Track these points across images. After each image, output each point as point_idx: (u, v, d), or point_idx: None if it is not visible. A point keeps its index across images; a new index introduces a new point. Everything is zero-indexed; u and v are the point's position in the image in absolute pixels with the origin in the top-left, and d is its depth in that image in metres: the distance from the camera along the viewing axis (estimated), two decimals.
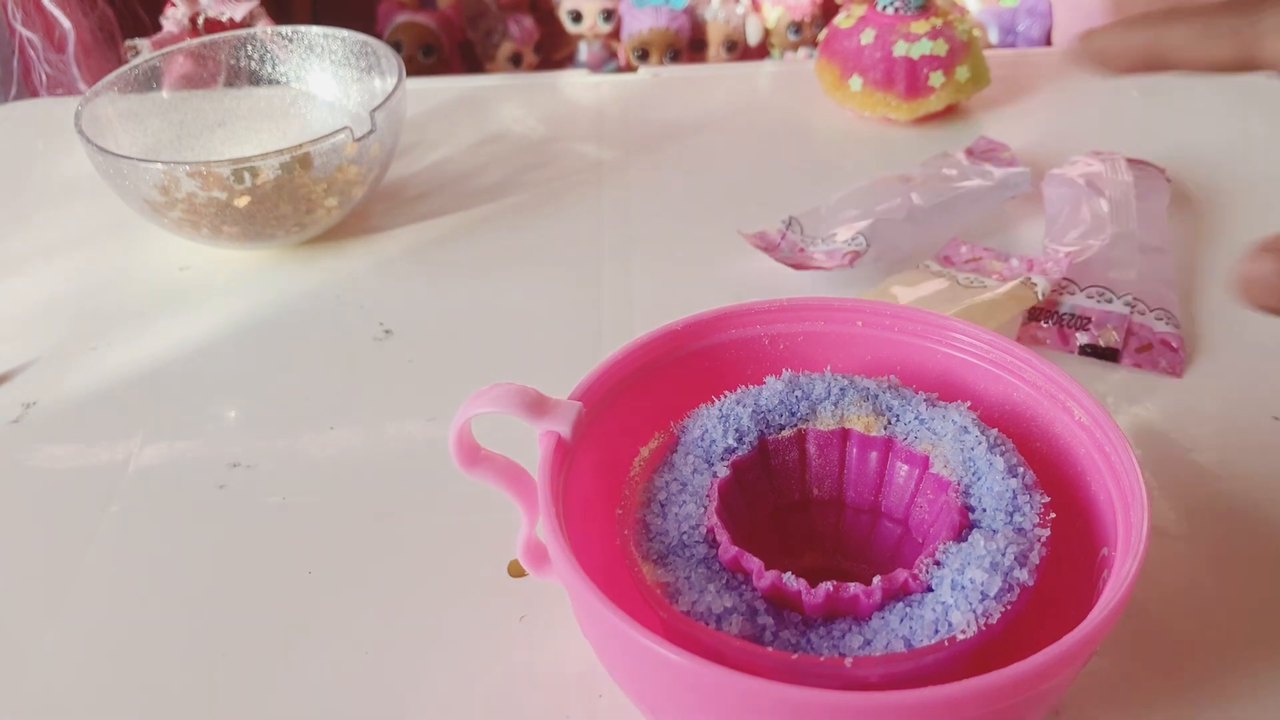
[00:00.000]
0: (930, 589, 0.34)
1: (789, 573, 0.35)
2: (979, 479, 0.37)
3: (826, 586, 0.34)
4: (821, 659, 0.33)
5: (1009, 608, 0.33)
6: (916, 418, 0.40)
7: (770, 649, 0.33)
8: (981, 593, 0.33)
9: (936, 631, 0.33)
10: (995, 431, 0.38)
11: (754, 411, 0.40)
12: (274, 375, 0.58)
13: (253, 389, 0.57)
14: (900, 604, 0.34)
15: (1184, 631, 0.43)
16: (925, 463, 0.39)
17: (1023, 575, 0.34)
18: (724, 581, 0.35)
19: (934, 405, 0.40)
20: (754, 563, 0.35)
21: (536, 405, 0.38)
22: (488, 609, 0.45)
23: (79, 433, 0.54)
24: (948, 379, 0.42)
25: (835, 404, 0.40)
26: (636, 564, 0.36)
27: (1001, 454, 0.37)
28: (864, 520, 0.41)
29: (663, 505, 0.38)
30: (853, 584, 0.34)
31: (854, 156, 0.74)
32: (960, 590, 0.33)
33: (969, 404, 0.40)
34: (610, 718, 0.40)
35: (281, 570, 0.47)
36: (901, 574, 0.34)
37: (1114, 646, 0.42)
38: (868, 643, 0.34)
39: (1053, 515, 0.36)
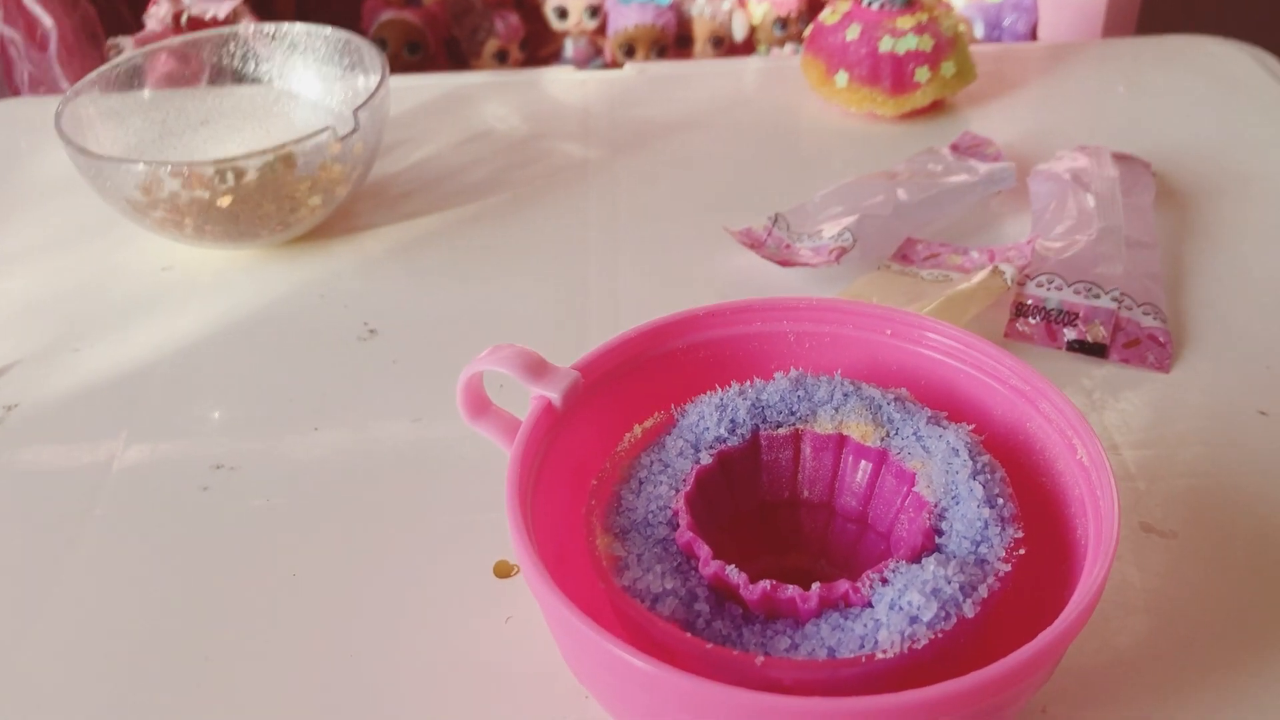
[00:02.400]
0: (871, 605, 0.34)
1: (733, 565, 0.35)
2: (957, 503, 0.37)
3: (764, 585, 0.34)
4: (734, 653, 0.33)
5: (939, 635, 0.33)
6: (914, 433, 0.39)
7: (689, 635, 0.33)
8: (914, 616, 0.33)
9: (862, 646, 0.33)
10: (987, 458, 0.38)
11: (753, 405, 0.40)
12: (258, 376, 0.57)
13: (236, 389, 0.56)
14: (836, 614, 0.34)
15: (1170, 626, 0.42)
16: (912, 480, 0.38)
17: (965, 606, 0.33)
18: (674, 565, 0.36)
19: (935, 424, 0.39)
20: (703, 549, 0.35)
21: (535, 368, 0.39)
22: (474, 610, 0.44)
23: (61, 434, 0.54)
24: (964, 399, 0.41)
25: (836, 409, 0.40)
26: (594, 534, 0.36)
27: (983, 482, 0.37)
28: (851, 529, 0.41)
29: (640, 483, 0.38)
30: (791, 586, 0.34)
31: (840, 152, 0.74)
32: (897, 611, 0.33)
33: (973, 427, 0.39)
34: (597, 719, 0.40)
35: (265, 572, 0.46)
36: (842, 585, 0.34)
37: (1101, 641, 0.42)
38: (795, 646, 0.34)
39: (1021, 551, 0.35)
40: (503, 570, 0.46)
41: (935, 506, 0.37)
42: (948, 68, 0.74)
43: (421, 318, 0.61)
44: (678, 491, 0.38)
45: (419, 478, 0.51)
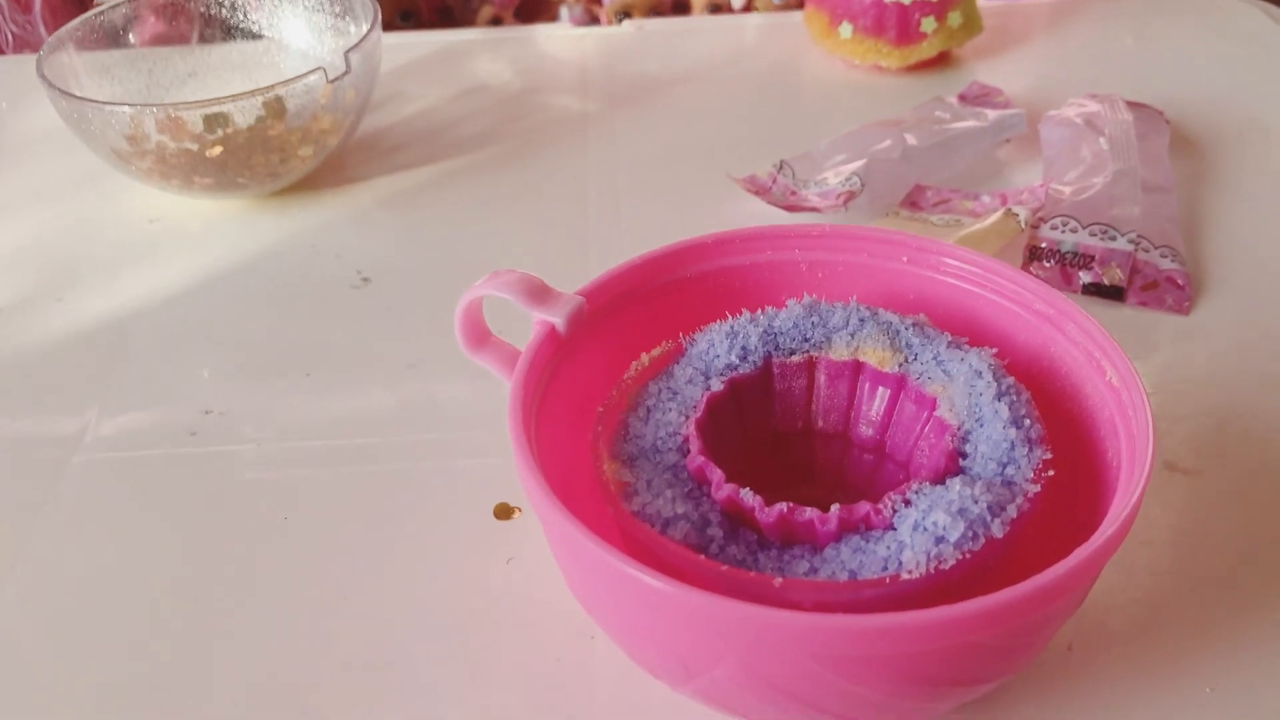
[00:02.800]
0: (893, 527, 0.32)
1: (748, 488, 0.33)
2: (981, 425, 0.35)
3: (781, 507, 0.32)
4: (750, 575, 0.31)
5: (967, 555, 0.31)
6: (934, 358, 0.37)
7: (703, 558, 0.31)
8: (940, 536, 0.31)
9: (885, 569, 0.31)
10: (1011, 380, 0.36)
11: (765, 332, 0.38)
12: (247, 323, 0.55)
13: (225, 337, 0.54)
14: (857, 537, 0.32)
15: (1195, 562, 0.41)
16: (933, 405, 0.37)
17: (994, 527, 0.31)
18: (684, 490, 0.34)
19: (957, 348, 0.38)
20: (716, 474, 0.34)
21: (538, 293, 0.37)
22: (474, 552, 0.43)
23: (45, 382, 0.52)
24: (985, 325, 0.40)
25: (852, 335, 0.38)
26: (601, 460, 0.34)
27: (1009, 403, 0.35)
28: (868, 460, 0.40)
29: (649, 411, 0.36)
30: (809, 509, 0.32)
31: (844, 106, 0.72)
32: (921, 532, 0.31)
33: (995, 351, 0.37)
34: (603, 659, 0.39)
35: (256, 516, 0.45)
36: (863, 507, 0.33)
37: (1126, 579, 0.40)
38: (814, 570, 0.32)
39: (1051, 473, 0.34)
40: (503, 513, 0.44)
41: (958, 430, 0.35)
42: (954, 18, 0.72)
43: (417, 266, 0.59)
44: (688, 418, 0.36)
45: (415, 421, 0.49)
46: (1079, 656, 0.38)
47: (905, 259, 0.41)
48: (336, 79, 0.60)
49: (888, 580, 0.30)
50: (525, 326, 0.38)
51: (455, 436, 0.48)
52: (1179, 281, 0.53)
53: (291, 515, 0.45)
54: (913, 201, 0.59)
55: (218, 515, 0.45)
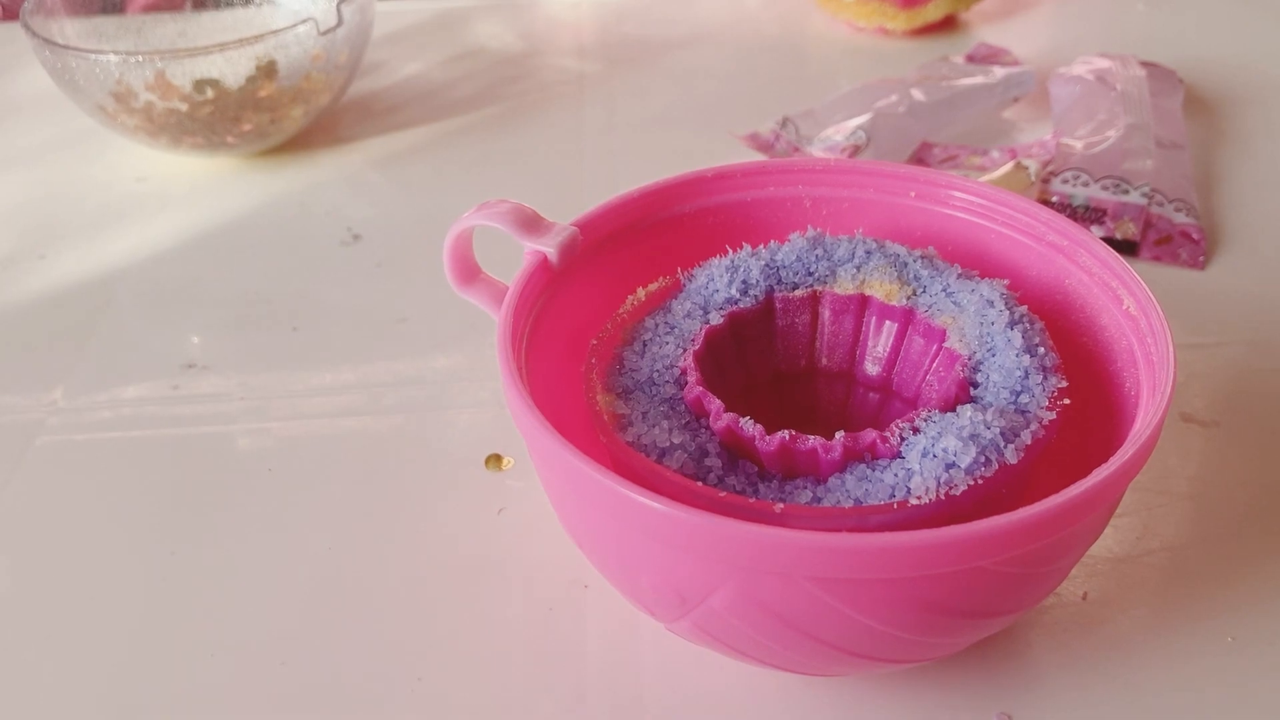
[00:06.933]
0: (901, 456, 0.31)
1: (748, 417, 0.31)
2: (993, 355, 0.33)
3: (782, 435, 0.31)
4: (750, 501, 0.29)
5: (979, 482, 0.29)
6: (944, 289, 0.36)
7: (700, 485, 0.30)
8: (950, 463, 0.29)
9: (893, 496, 0.29)
10: (1024, 309, 0.34)
11: (767, 265, 0.36)
12: (233, 280, 0.54)
13: (210, 293, 0.53)
14: (863, 466, 0.31)
15: (1215, 512, 0.40)
16: (942, 336, 0.35)
17: (1007, 453, 0.30)
18: (682, 422, 0.32)
19: (967, 279, 0.36)
20: (715, 403, 0.32)
21: (530, 223, 0.36)
22: (465, 502, 0.41)
23: (22, 337, 0.50)
24: (995, 259, 0.38)
25: (858, 268, 0.37)
26: (594, 392, 0.33)
27: (1022, 331, 0.33)
28: (874, 399, 0.38)
29: (645, 345, 0.35)
30: (812, 437, 0.31)
31: (849, 70, 0.70)
32: (931, 458, 0.30)
33: (1008, 282, 0.36)
34: (596, 609, 0.37)
35: (238, 467, 0.43)
36: (869, 434, 0.31)
37: (1143, 530, 0.39)
38: (817, 500, 0.30)
39: (1066, 401, 0.32)
40: (494, 464, 0.43)
41: (969, 359, 0.33)
42: None
43: (408, 224, 0.57)
44: (685, 351, 0.34)
45: (405, 375, 0.47)
46: (1094, 606, 0.36)
47: (913, 194, 0.39)
48: (328, 31, 0.58)
49: (895, 506, 0.29)
50: (516, 269, 0.37)
51: (445, 389, 0.46)
52: (1194, 236, 0.51)
53: (277, 468, 0.43)
54: (919, 158, 0.57)
55: (200, 466, 0.43)
